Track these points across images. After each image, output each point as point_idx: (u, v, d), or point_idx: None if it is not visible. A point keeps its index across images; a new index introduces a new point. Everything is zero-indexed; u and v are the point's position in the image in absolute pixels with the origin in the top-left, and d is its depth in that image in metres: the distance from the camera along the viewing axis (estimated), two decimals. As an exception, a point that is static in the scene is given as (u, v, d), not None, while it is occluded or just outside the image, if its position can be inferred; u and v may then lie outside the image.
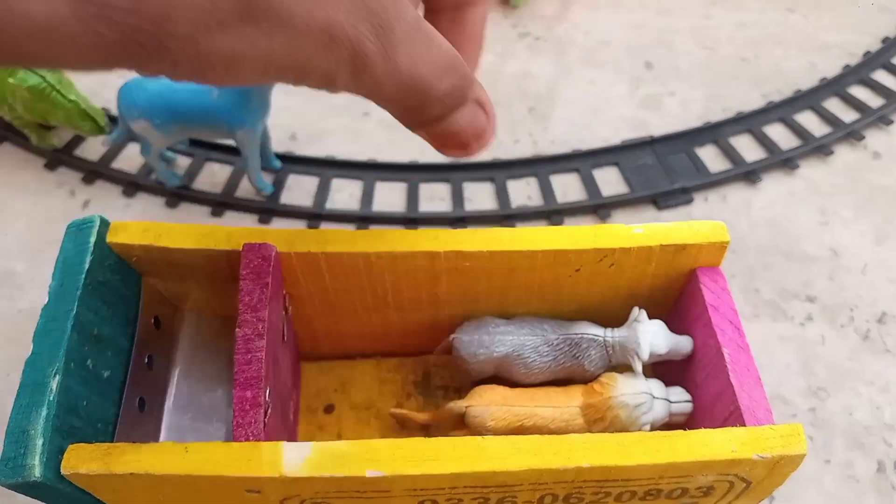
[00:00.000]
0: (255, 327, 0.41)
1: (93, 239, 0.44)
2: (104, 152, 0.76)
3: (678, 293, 0.51)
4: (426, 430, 0.54)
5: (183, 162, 0.76)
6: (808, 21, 0.91)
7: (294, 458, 0.38)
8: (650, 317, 0.50)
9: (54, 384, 0.39)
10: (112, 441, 0.42)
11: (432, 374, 0.57)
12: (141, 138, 0.68)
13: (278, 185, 0.74)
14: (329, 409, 0.55)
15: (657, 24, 0.91)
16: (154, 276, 0.48)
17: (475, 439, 0.39)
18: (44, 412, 0.38)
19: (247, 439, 0.39)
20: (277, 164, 0.75)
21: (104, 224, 0.45)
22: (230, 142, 0.71)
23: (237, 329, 0.41)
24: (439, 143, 0.38)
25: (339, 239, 0.46)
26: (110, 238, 0.45)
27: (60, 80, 0.69)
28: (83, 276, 0.42)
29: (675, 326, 0.50)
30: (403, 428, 0.54)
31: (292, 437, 0.51)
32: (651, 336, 0.48)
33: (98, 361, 0.42)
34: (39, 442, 0.37)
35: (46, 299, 0.43)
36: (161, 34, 0.26)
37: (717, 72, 0.86)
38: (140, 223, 0.46)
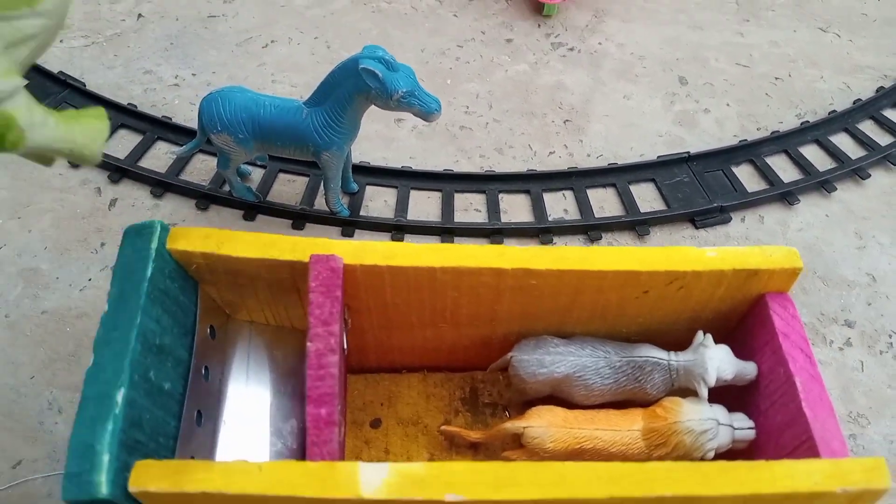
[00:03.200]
0: (327, 342, 0.40)
1: (154, 245, 0.42)
2: (130, 150, 0.74)
3: (741, 317, 0.50)
4: (475, 448, 0.53)
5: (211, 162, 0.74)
6: (842, 41, 0.91)
7: (372, 480, 0.36)
8: (711, 341, 0.49)
9: (119, 397, 0.37)
10: (173, 457, 0.41)
11: (480, 390, 0.56)
12: (218, 151, 0.65)
13: (313, 190, 0.72)
14: (376, 423, 0.54)
15: (691, 39, 0.90)
16: (211, 284, 0.47)
17: (555, 465, 0.38)
18: (109, 426, 0.36)
19: (322, 458, 0.37)
20: (355, 187, 0.73)
21: (164, 230, 0.44)
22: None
23: (308, 343, 0.40)
24: None
25: (405, 252, 0.45)
26: (171, 244, 0.43)
27: None
28: (146, 283, 0.41)
29: (738, 352, 0.49)
30: (452, 446, 0.53)
31: (342, 454, 0.50)
32: (718, 361, 0.47)
33: (159, 373, 0.41)
34: (106, 458, 0.35)
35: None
36: None
37: (752, 90, 0.85)
38: (201, 230, 0.44)
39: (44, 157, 0.38)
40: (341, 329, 0.43)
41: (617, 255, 0.46)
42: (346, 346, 0.47)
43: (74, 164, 0.73)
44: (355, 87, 0.60)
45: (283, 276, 0.45)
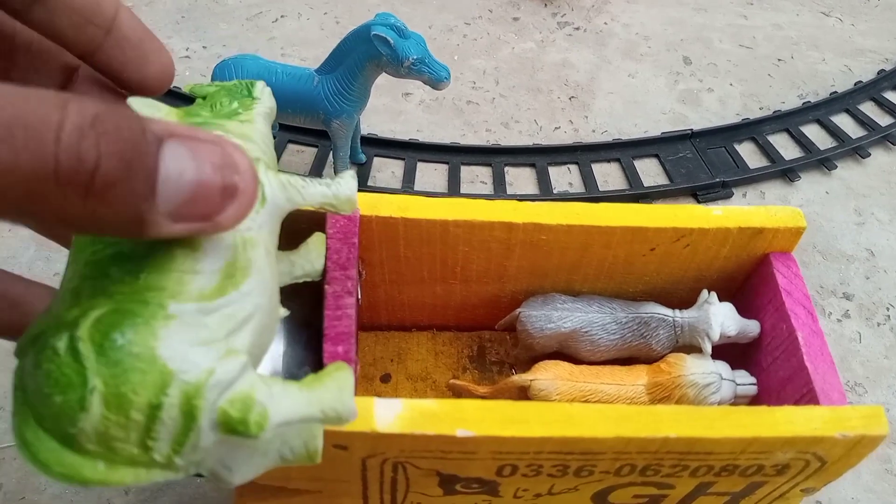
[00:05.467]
0: (343, 285, 0.41)
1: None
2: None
3: (745, 277, 0.51)
4: (482, 403, 0.54)
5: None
6: (844, 25, 0.92)
7: (386, 414, 0.37)
8: (715, 300, 0.50)
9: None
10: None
11: (487, 349, 0.57)
12: None
13: (321, 160, 0.73)
14: (385, 378, 0.55)
15: (695, 21, 0.92)
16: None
17: (562, 405, 0.39)
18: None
19: (338, 395, 0.38)
20: (363, 157, 0.74)
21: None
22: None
23: (326, 286, 0.41)
24: None
25: (419, 205, 0.46)
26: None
27: None
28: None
29: (742, 311, 0.50)
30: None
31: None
32: (722, 317, 0.48)
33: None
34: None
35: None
36: None
37: (755, 70, 0.87)
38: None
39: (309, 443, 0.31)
40: (357, 275, 0.44)
41: (625, 212, 0.47)
42: (359, 298, 0.48)
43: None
44: (367, 53, 0.61)
45: (302, 226, 0.46)
